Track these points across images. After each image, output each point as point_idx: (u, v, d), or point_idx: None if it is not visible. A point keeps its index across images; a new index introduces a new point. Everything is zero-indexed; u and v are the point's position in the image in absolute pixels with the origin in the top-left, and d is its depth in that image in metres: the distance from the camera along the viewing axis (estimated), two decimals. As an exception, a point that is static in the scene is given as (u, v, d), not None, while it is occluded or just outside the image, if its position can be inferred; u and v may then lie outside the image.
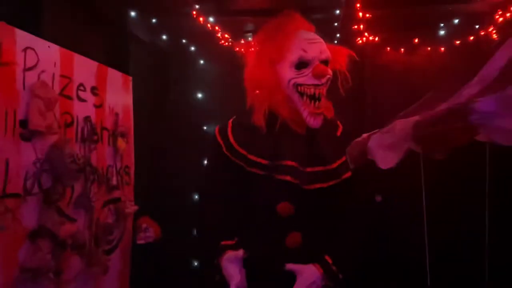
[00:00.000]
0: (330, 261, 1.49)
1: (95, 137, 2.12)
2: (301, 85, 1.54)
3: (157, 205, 2.82)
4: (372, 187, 1.79)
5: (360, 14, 2.49)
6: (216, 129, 1.70)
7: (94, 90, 2.13)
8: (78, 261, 1.91)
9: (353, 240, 1.57)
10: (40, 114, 1.70)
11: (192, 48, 3.18)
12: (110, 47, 2.56)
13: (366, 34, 2.75)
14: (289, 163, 1.54)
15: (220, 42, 2.89)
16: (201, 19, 2.65)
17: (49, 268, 1.67)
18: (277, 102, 1.60)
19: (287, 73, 1.56)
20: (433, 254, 2.14)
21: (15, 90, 1.62)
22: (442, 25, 2.82)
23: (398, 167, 1.78)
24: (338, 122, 1.72)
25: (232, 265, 1.49)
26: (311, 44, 1.56)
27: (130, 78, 2.51)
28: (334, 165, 1.59)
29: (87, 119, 2.06)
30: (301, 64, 1.55)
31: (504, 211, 2.52)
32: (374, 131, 1.38)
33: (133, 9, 2.69)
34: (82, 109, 2.03)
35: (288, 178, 1.53)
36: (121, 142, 2.29)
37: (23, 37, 1.66)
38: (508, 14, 2.37)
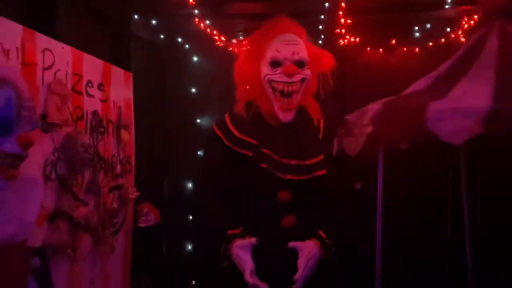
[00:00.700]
0: (323, 235, 1.66)
1: (102, 129, 2.33)
2: (273, 81, 1.72)
3: (154, 192, 3.04)
4: (351, 177, 1.90)
5: (342, 20, 2.74)
6: (214, 124, 1.85)
7: (100, 86, 2.33)
8: (89, 241, 2.12)
9: (339, 220, 1.70)
10: (57, 109, 1.89)
11: (187, 46, 3.38)
12: (114, 46, 2.76)
13: (347, 36, 3.00)
14: (265, 151, 1.69)
15: (214, 41, 3.10)
16: (196, 20, 2.85)
17: (68, 245, 1.89)
18: (257, 95, 1.79)
19: (265, 70, 1.75)
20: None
21: (36, 88, 1.81)
22: (416, 28, 3.10)
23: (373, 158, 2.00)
24: (322, 120, 1.86)
25: (244, 252, 1.58)
26: (286, 45, 1.72)
27: (131, 74, 2.72)
28: (309, 162, 1.70)
29: (95, 112, 2.27)
30: (275, 63, 1.72)
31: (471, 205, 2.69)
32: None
33: (135, 13, 2.91)
34: (91, 104, 2.24)
35: (265, 166, 1.66)
36: (124, 134, 2.50)
37: (41, 40, 1.84)
38: (472, 22, 2.66)
